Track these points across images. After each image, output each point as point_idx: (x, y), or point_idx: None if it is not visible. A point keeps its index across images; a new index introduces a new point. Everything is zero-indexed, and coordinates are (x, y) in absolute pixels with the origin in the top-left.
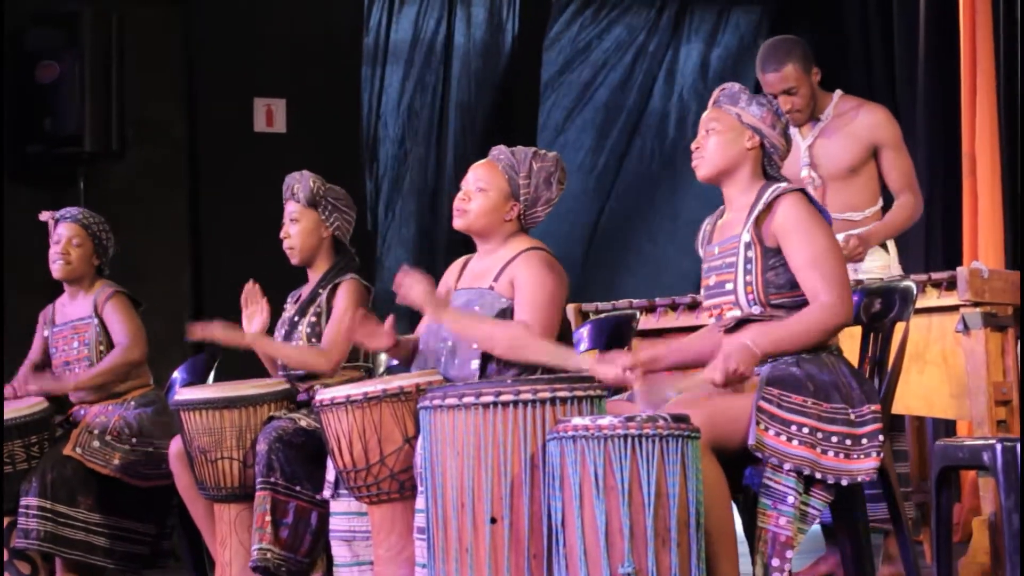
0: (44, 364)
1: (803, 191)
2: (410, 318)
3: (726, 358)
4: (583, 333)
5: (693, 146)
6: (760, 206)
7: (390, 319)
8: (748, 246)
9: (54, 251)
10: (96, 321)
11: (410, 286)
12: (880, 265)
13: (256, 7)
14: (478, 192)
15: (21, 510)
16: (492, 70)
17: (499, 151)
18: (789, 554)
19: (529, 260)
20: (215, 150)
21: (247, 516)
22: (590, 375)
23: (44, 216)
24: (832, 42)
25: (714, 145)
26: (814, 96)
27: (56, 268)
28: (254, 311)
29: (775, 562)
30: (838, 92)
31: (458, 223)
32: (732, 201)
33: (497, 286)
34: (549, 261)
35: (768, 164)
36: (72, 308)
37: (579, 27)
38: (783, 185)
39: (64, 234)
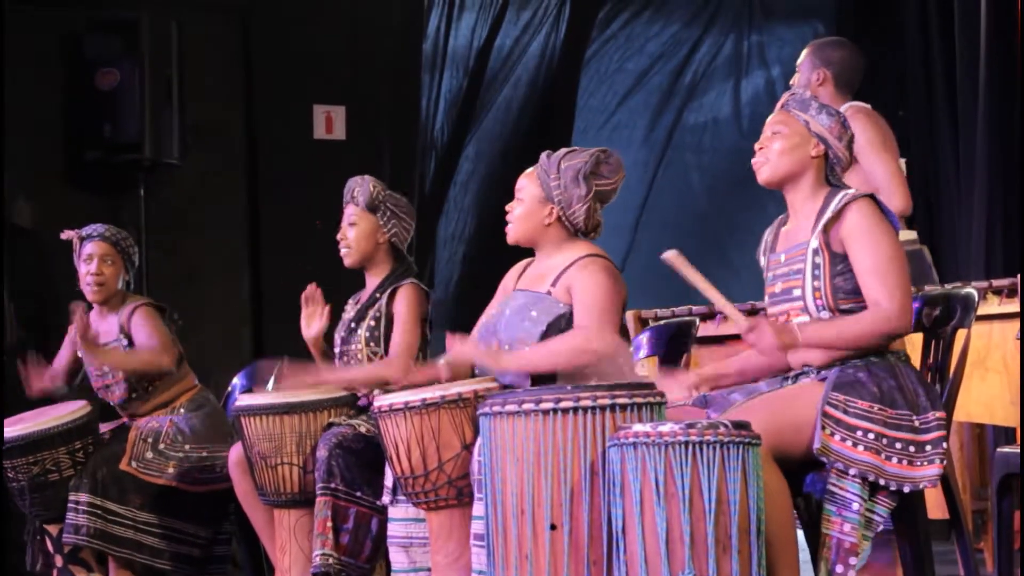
0: (74, 370)
1: (872, 196)
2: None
3: (769, 327)
4: (642, 340)
5: (757, 146)
6: (829, 213)
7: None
8: (816, 252)
9: (86, 273)
10: (125, 342)
11: (461, 347)
12: None
13: (315, 14)
14: (517, 202)
15: (70, 505)
16: (538, 75)
17: (542, 156)
18: (853, 560)
19: (586, 266)
20: (274, 157)
21: (307, 521)
22: (650, 382)
23: (67, 235)
24: (892, 43)
25: (779, 150)
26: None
27: (91, 291)
28: (314, 312)
29: (839, 568)
30: (848, 104)
31: (509, 238)
32: (797, 209)
33: (555, 291)
34: (607, 267)
35: (830, 174)
36: (101, 329)
37: (632, 28)
38: (852, 191)
39: (95, 253)
